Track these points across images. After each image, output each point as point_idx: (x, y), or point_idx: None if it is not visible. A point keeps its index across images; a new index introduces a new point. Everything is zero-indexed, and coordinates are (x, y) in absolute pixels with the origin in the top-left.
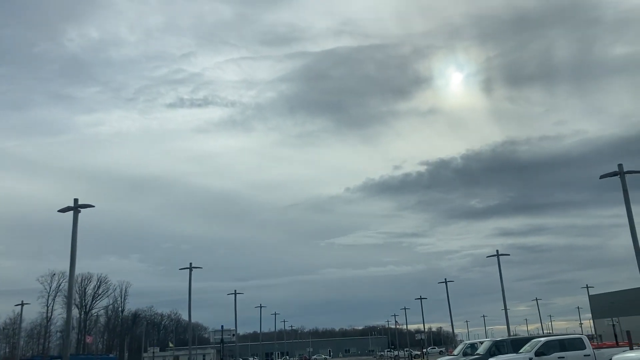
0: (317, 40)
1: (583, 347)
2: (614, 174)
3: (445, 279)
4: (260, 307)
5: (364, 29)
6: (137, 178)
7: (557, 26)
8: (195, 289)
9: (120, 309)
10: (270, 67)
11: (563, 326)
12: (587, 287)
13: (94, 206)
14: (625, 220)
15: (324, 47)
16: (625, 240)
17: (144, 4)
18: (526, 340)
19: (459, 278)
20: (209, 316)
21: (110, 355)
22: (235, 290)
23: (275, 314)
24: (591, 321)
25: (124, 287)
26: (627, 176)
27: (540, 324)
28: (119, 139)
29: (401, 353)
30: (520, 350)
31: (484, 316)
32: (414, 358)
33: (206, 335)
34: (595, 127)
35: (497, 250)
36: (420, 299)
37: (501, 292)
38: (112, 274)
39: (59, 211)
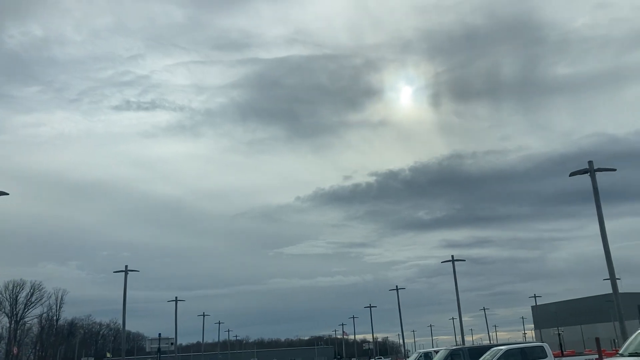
0: (269, 48)
1: (544, 356)
2: (584, 172)
3: (397, 286)
4: (204, 315)
5: (316, 39)
6: (78, 182)
7: (504, 44)
8: (138, 298)
9: (55, 317)
10: (221, 72)
11: (505, 337)
12: (535, 296)
13: (7, 194)
14: (565, 234)
15: (277, 54)
16: (563, 253)
17: (92, 3)
18: (484, 348)
19: (405, 288)
20: (152, 326)
21: None
22: (176, 297)
23: (219, 323)
24: (533, 331)
25: (59, 295)
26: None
27: (487, 334)
28: (61, 141)
29: None
30: (483, 358)
31: (430, 326)
32: None
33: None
34: (538, 144)
35: (452, 256)
36: (370, 307)
37: (445, 304)
38: (48, 281)
39: None
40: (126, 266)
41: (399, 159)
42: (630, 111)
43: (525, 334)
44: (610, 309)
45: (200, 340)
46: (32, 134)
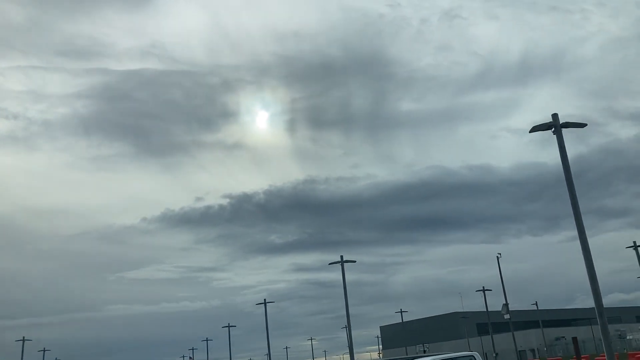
0: (121, 59)
1: None
2: (548, 127)
3: (265, 300)
4: (23, 340)
5: (172, 54)
6: None
7: (356, 77)
8: None
9: None
10: (64, 80)
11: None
12: (401, 311)
13: None
14: (404, 258)
15: (128, 66)
16: (402, 277)
17: None
18: None
19: (253, 313)
20: None
21: None
22: None
23: (44, 351)
24: (382, 352)
25: None
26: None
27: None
28: None
29: None
30: None
31: (286, 348)
32: None
33: None
34: (384, 172)
35: (342, 256)
36: (229, 326)
37: (293, 328)
38: None
39: None
40: None
41: (254, 182)
42: (461, 148)
43: (380, 353)
44: (461, 327)
45: None
46: None
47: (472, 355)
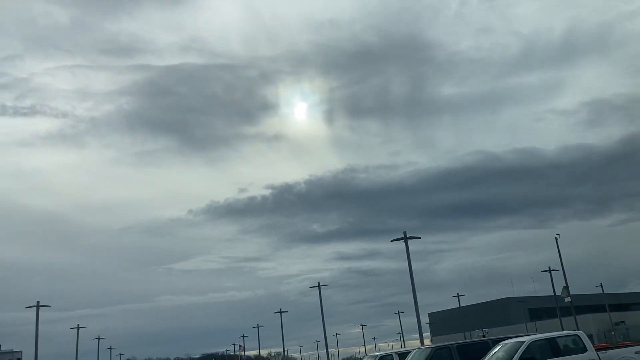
0: (162, 54)
1: (584, 349)
2: None
3: (319, 283)
4: (78, 327)
5: (211, 48)
6: None
7: (395, 63)
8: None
9: None
10: (109, 78)
11: (396, 346)
12: (458, 295)
13: None
14: (448, 246)
15: (170, 62)
16: (447, 265)
17: None
18: (478, 345)
19: (297, 302)
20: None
21: None
22: (37, 302)
23: (98, 339)
24: (430, 339)
25: None
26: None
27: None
28: None
29: None
30: (491, 355)
31: (336, 335)
32: None
33: None
34: (425, 159)
35: (405, 232)
36: (280, 312)
37: (337, 316)
38: None
39: None
40: None
41: (294, 172)
42: (505, 131)
43: (432, 340)
44: (513, 312)
45: None
46: None
47: (577, 335)
